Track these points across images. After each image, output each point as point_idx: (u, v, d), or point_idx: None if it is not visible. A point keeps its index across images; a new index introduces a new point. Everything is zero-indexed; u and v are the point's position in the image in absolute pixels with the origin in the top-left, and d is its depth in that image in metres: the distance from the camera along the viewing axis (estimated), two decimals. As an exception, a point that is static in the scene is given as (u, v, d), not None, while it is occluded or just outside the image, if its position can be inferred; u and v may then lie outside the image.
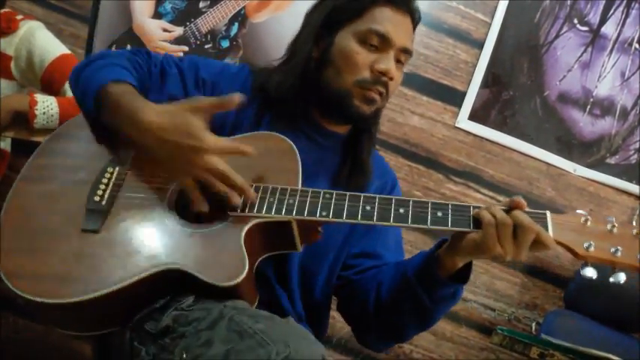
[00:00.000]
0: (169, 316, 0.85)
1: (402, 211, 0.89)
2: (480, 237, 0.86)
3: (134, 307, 0.89)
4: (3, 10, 1.58)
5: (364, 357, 2.01)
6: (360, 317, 1.11)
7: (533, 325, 1.98)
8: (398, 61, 1.07)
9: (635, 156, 2.01)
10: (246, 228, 0.90)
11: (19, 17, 1.59)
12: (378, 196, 0.91)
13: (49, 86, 1.57)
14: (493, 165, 2.02)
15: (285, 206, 0.91)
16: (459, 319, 2.01)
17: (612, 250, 0.84)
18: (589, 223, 0.86)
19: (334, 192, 0.92)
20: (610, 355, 1.49)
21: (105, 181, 0.97)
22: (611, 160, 2.02)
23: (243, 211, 0.91)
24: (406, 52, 1.07)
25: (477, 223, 0.87)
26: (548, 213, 0.87)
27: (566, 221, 0.87)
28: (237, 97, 0.89)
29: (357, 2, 1.06)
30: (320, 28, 1.08)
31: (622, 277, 0.83)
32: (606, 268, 0.86)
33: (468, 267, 0.96)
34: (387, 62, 1.04)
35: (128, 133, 0.92)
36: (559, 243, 0.86)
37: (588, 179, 2.01)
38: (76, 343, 1.87)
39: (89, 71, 1.00)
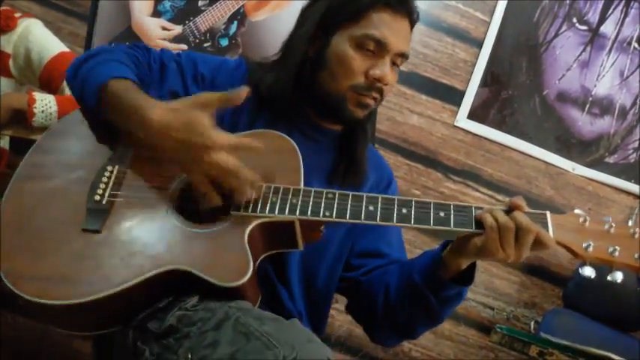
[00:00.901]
0: (173, 316, 0.85)
1: (404, 211, 0.90)
2: (483, 241, 0.87)
3: (137, 307, 0.88)
4: (1, 8, 1.57)
5: (363, 355, 2.01)
6: (369, 318, 1.12)
7: (532, 323, 1.98)
8: (393, 64, 1.06)
9: (634, 155, 2.01)
10: (249, 228, 0.89)
11: (17, 15, 1.58)
12: (380, 196, 0.92)
13: (48, 84, 1.57)
14: (492, 164, 2.02)
15: (288, 206, 0.91)
16: (457, 317, 2.01)
17: (610, 249, 0.85)
18: (587, 223, 0.87)
19: (337, 192, 0.92)
20: (608, 354, 1.49)
21: (105, 179, 0.95)
22: (610, 159, 2.02)
23: (246, 210, 0.91)
24: (402, 56, 1.06)
25: (479, 224, 0.88)
26: (548, 213, 0.88)
27: (565, 221, 0.88)
28: (243, 92, 0.88)
29: (354, 4, 1.03)
30: (316, 28, 1.07)
31: (619, 276, 0.85)
32: (604, 267, 0.87)
33: (472, 266, 0.97)
34: (383, 68, 1.03)
35: (133, 131, 0.90)
36: (559, 243, 0.87)
37: (587, 178, 2.02)
38: (75, 343, 1.87)
39: (88, 67, 0.99)
